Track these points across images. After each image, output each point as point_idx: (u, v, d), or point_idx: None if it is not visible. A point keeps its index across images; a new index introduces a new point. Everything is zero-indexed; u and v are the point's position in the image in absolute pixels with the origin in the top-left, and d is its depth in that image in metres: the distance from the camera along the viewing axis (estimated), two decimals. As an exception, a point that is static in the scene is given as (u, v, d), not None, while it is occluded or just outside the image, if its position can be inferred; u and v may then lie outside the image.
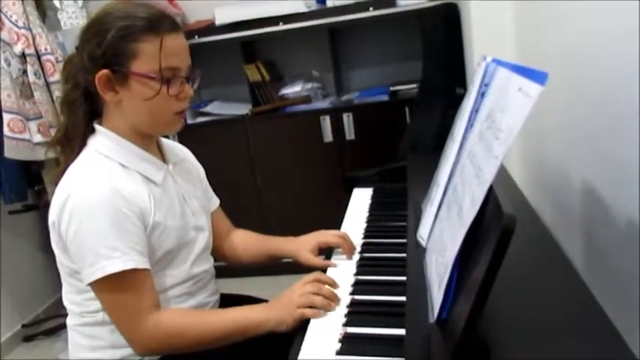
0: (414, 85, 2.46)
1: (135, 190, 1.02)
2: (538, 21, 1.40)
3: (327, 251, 1.21)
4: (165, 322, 1.00)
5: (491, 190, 0.69)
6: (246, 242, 1.34)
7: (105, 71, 1.00)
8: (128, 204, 0.99)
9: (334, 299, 0.98)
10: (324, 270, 1.13)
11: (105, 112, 1.07)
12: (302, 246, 1.22)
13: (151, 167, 1.09)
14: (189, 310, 1.12)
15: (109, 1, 1.09)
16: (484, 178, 0.70)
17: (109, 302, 1.01)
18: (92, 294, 1.03)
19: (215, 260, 1.26)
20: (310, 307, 0.95)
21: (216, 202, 1.34)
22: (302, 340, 0.88)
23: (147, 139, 1.10)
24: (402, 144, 2.17)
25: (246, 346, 1.00)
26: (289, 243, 1.26)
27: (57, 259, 1.07)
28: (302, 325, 0.93)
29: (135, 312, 0.99)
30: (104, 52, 1.00)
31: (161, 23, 1.01)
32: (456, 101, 1.05)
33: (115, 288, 0.98)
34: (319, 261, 1.18)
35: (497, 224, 0.61)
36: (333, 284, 1.04)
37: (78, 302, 1.08)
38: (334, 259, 1.17)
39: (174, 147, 1.24)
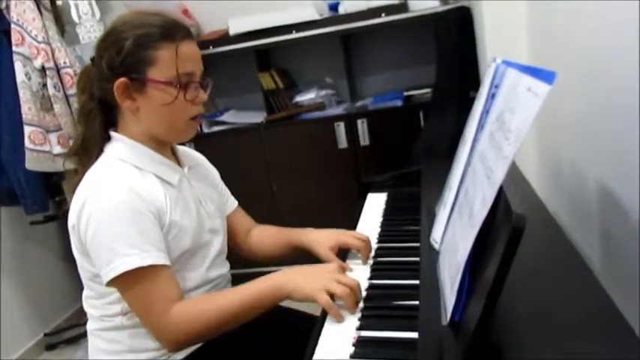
0: (428, 90, 2.46)
1: (151, 190, 1.04)
2: (551, 21, 1.39)
3: (342, 253, 1.20)
4: (184, 310, 1.00)
5: (501, 191, 0.69)
6: (264, 236, 1.34)
7: (123, 79, 1.03)
8: (145, 203, 1.01)
9: (357, 304, 0.96)
10: None
11: (121, 121, 1.10)
12: (323, 239, 1.19)
13: (167, 169, 1.11)
14: (206, 294, 1.12)
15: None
16: (494, 178, 0.70)
17: (130, 299, 1.02)
18: (112, 298, 1.05)
19: (232, 268, 1.27)
20: (335, 298, 0.94)
21: (233, 203, 1.35)
22: (316, 343, 0.88)
23: (162, 146, 1.13)
24: (416, 148, 2.17)
25: (261, 351, 1.00)
26: (308, 233, 1.24)
27: (77, 263, 1.09)
28: (313, 328, 0.93)
29: (157, 307, 1.00)
30: (123, 61, 1.03)
31: (176, 31, 1.04)
32: (470, 105, 1.05)
33: (135, 285, 0.99)
34: (337, 261, 1.16)
35: (507, 224, 0.61)
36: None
37: (98, 306, 1.10)
38: (349, 262, 1.17)
39: (188, 152, 1.26)
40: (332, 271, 0.99)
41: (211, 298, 1.06)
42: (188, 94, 1.05)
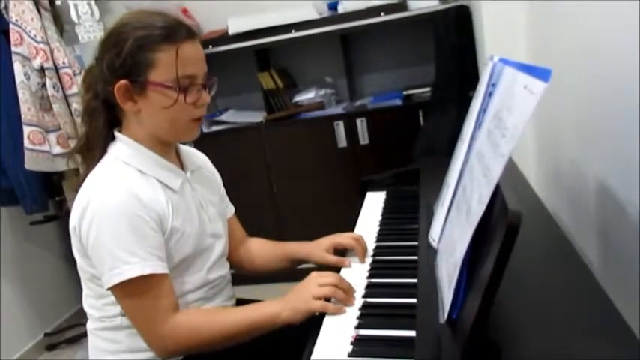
0: (428, 89, 2.45)
1: (153, 195, 1.04)
2: (550, 20, 1.39)
3: (340, 254, 1.21)
4: (182, 323, 1.02)
5: (498, 188, 0.69)
6: (261, 249, 1.35)
7: (123, 81, 1.02)
8: (146, 209, 1.01)
9: (352, 295, 0.98)
10: (338, 269, 1.14)
11: (124, 121, 1.10)
12: (317, 246, 1.23)
13: (169, 174, 1.10)
14: (205, 309, 1.13)
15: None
16: (491, 176, 0.70)
17: (128, 306, 1.03)
18: (111, 299, 1.05)
19: (231, 267, 1.27)
20: (328, 299, 0.96)
21: (231, 209, 1.35)
22: (314, 342, 0.88)
23: (165, 147, 1.12)
24: (415, 147, 2.17)
25: (259, 349, 1.01)
26: (304, 246, 1.27)
27: (78, 264, 1.09)
28: (314, 326, 0.93)
29: (153, 316, 1.01)
30: (123, 63, 1.01)
31: (177, 32, 1.02)
32: (469, 104, 1.05)
33: (134, 292, 1.00)
34: (334, 258, 1.18)
35: (502, 222, 0.60)
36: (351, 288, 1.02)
37: (97, 307, 1.10)
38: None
39: (192, 154, 1.25)
40: (312, 279, 1.01)
41: (209, 317, 1.06)
42: (189, 97, 1.04)
